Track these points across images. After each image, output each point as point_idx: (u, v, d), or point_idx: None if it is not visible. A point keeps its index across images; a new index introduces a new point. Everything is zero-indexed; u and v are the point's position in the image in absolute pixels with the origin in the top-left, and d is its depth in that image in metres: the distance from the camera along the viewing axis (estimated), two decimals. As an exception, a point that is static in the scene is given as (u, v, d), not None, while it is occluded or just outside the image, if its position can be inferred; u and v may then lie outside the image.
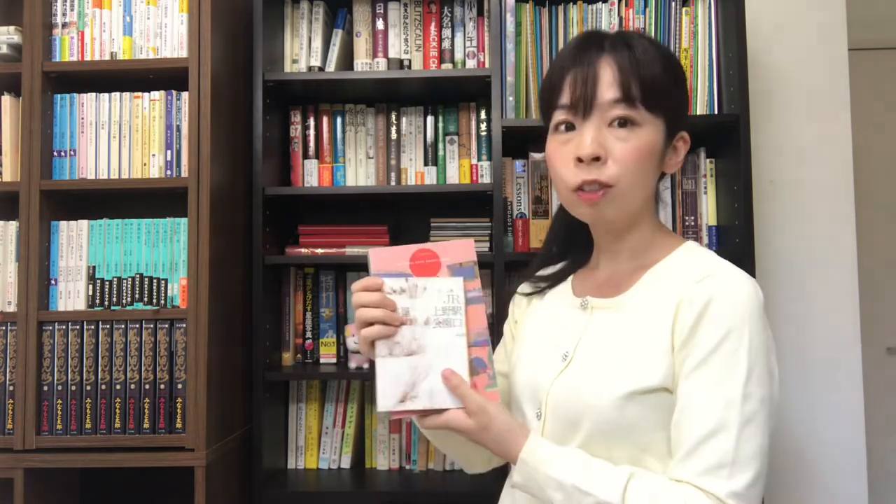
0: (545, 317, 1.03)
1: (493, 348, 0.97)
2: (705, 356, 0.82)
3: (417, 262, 0.90)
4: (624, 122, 0.89)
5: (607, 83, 0.89)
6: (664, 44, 1.65)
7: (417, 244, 0.91)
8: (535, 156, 1.69)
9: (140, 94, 1.57)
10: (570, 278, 1.05)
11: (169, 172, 1.55)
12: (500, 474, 1.08)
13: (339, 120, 1.84)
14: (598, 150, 0.88)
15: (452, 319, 0.89)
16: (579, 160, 0.89)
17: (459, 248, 0.91)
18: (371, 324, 0.87)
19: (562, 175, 0.92)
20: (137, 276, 1.53)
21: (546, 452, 0.85)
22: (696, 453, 0.80)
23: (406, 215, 1.88)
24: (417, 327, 0.88)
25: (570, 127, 0.92)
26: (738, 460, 0.79)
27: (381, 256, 0.89)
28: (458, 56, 1.77)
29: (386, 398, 0.86)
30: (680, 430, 0.83)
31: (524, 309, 1.09)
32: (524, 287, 1.11)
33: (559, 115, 0.93)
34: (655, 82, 0.89)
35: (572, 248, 1.07)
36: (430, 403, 0.87)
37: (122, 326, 1.51)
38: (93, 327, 1.52)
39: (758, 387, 0.82)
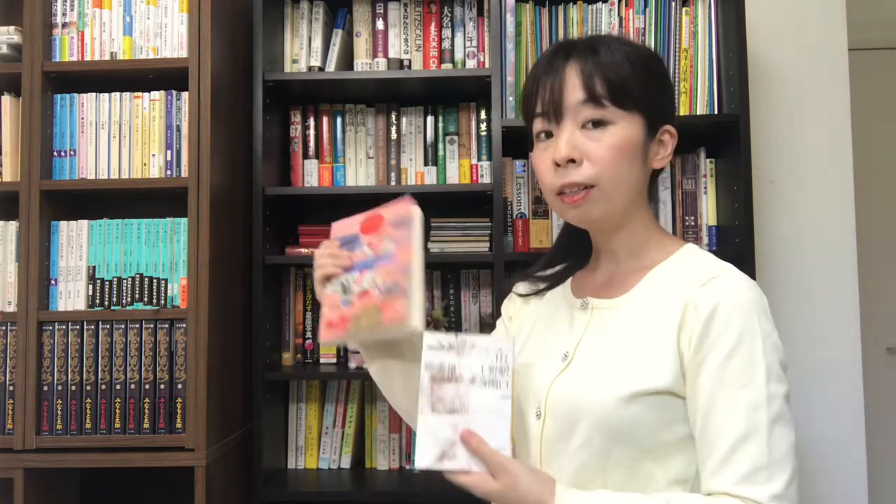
0: (544, 317, 1.03)
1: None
2: (722, 362, 0.82)
3: (366, 223, 0.99)
4: (596, 123, 0.90)
5: (573, 86, 0.90)
6: (662, 44, 1.66)
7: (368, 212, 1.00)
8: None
9: (140, 94, 1.57)
10: (568, 280, 1.05)
11: (169, 172, 1.55)
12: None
13: (339, 120, 1.84)
14: (571, 153, 0.89)
15: (499, 381, 0.87)
16: (557, 164, 0.90)
17: (398, 204, 0.98)
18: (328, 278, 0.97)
19: (543, 180, 0.94)
20: (137, 276, 1.53)
21: (576, 502, 0.83)
22: (731, 462, 0.80)
23: (406, 215, 1.88)
24: (462, 385, 0.87)
25: (549, 134, 0.93)
26: (774, 462, 0.79)
27: (340, 225, 1.02)
28: (458, 56, 1.77)
29: (424, 456, 0.85)
30: (708, 441, 0.82)
31: (518, 308, 1.10)
32: (520, 287, 1.11)
33: (537, 125, 0.95)
34: (621, 79, 0.90)
35: (575, 250, 1.07)
36: (467, 465, 0.84)
37: (122, 326, 1.51)
38: (93, 327, 1.52)
39: (778, 384, 0.82)
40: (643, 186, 0.96)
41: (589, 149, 0.89)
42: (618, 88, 0.89)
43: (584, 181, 0.89)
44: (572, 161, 0.89)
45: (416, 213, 0.97)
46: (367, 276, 0.94)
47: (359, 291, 0.94)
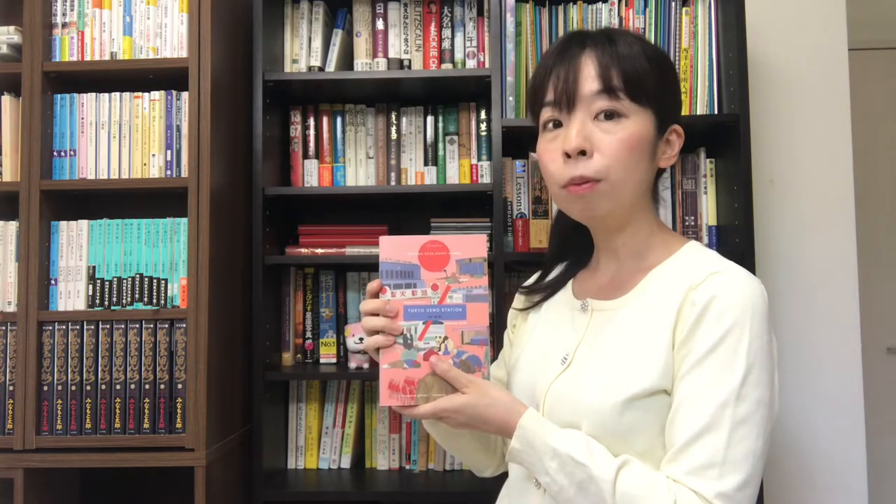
0: (546, 319, 1.03)
1: (494, 349, 0.97)
2: (703, 355, 0.82)
3: (426, 253, 0.89)
4: (609, 115, 0.88)
5: (589, 76, 0.89)
6: (662, 44, 1.66)
7: (429, 235, 0.90)
8: (535, 156, 1.69)
9: (140, 94, 1.57)
10: (570, 281, 1.04)
11: (169, 172, 1.55)
12: (502, 474, 1.08)
13: (339, 120, 1.84)
14: (583, 144, 0.88)
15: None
16: (567, 155, 0.89)
17: (470, 242, 0.89)
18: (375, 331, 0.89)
19: (550, 171, 0.92)
20: (137, 276, 1.53)
21: (547, 423, 0.86)
22: (686, 452, 0.80)
23: (406, 215, 1.88)
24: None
25: (558, 124, 0.92)
26: (729, 461, 0.78)
27: (391, 245, 0.89)
28: (458, 56, 1.76)
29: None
30: (673, 428, 0.82)
31: (521, 320, 1.10)
32: (518, 302, 1.11)
33: (546, 113, 0.93)
34: (638, 73, 0.89)
35: (570, 248, 1.06)
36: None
37: (122, 326, 1.51)
38: (93, 327, 1.52)
39: (755, 388, 0.81)
40: (649, 185, 0.96)
41: (600, 141, 0.88)
42: (634, 82, 0.88)
43: (593, 175, 0.88)
44: (582, 153, 0.88)
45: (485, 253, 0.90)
46: (433, 330, 0.88)
47: (425, 350, 0.88)
